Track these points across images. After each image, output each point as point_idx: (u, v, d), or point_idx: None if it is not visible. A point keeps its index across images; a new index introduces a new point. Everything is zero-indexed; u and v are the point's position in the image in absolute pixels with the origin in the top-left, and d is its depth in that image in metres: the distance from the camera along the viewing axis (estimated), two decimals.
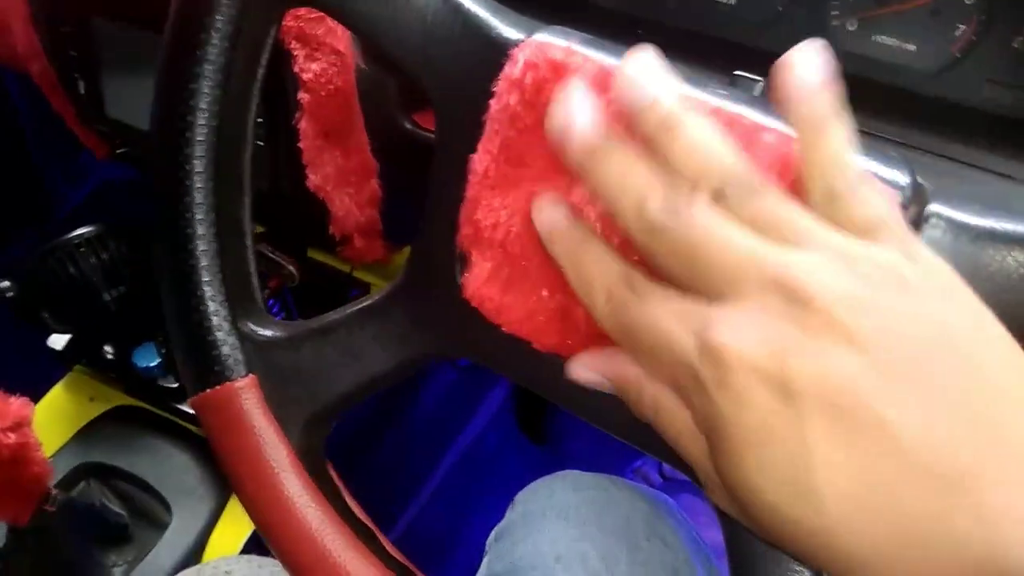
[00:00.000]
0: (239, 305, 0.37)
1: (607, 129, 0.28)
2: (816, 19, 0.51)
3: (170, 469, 0.81)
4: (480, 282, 0.33)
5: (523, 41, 0.31)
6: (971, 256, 0.27)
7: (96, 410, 0.86)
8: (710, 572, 0.58)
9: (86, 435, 0.83)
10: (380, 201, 0.62)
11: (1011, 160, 0.45)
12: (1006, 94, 0.47)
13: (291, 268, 0.78)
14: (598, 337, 0.30)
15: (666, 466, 0.97)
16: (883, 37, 0.49)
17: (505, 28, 0.32)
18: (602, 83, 0.29)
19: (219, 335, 0.36)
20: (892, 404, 0.23)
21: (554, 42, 0.30)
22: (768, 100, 0.29)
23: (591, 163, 0.28)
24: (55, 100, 0.74)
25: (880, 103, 0.49)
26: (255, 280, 0.38)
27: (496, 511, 0.64)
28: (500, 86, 0.31)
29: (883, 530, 0.23)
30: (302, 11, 0.51)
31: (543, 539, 0.55)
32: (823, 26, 0.51)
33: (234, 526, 0.79)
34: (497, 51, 0.31)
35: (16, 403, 0.58)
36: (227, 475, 0.37)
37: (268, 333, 0.37)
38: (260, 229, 0.78)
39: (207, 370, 0.36)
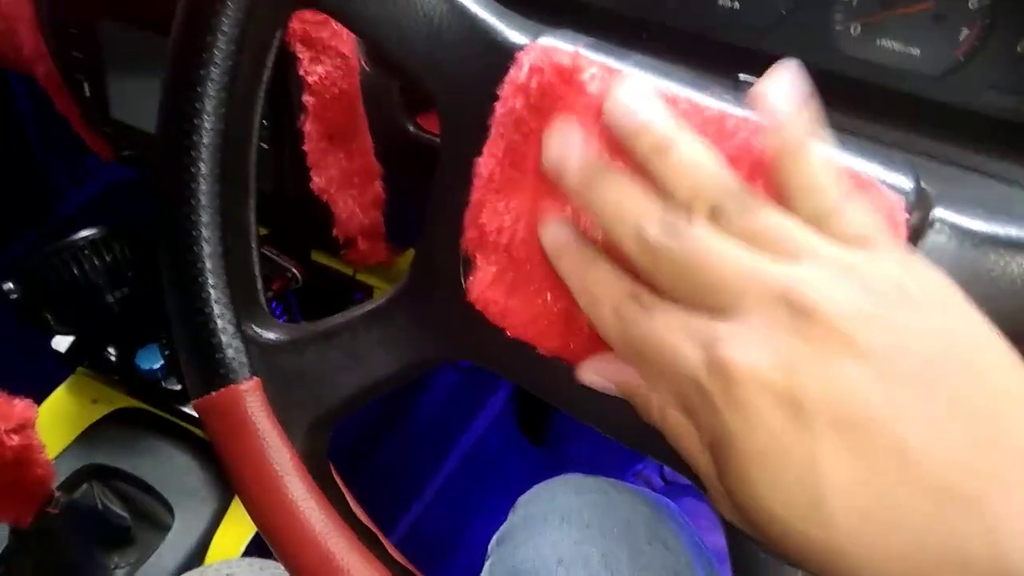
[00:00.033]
0: (243, 308, 0.37)
1: (601, 157, 0.29)
2: (819, 23, 0.51)
3: (172, 471, 0.81)
4: (484, 285, 0.33)
5: (528, 45, 0.31)
6: (974, 261, 0.27)
7: (99, 412, 0.86)
8: None
9: (89, 437, 0.83)
10: (383, 204, 0.62)
11: (1014, 164, 0.45)
12: (1009, 99, 0.47)
13: (294, 270, 0.78)
14: (602, 341, 0.30)
15: (667, 469, 0.97)
16: (886, 41, 0.49)
17: (510, 32, 0.32)
18: (598, 111, 0.29)
19: (223, 338, 0.36)
20: (901, 419, 0.23)
21: (559, 46, 0.30)
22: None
23: (588, 193, 0.29)
24: (60, 102, 0.74)
25: (883, 107, 0.49)
26: (259, 283, 0.38)
27: (497, 514, 0.64)
28: (505, 90, 0.31)
29: (892, 545, 0.23)
30: (307, 14, 0.51)
31: (545, 543, 0.55)
32: (826, 30, 0.51)
33: (236, 528, 0.79)
34: (502, 55, 0.31)
35: (20, 405, 0.58)
36: (230, 478, 0.37)
37: (272, 336, 0.37)
38: (264, 231, 0.78)
39: (211, 373, 0.37)
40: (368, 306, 0.36)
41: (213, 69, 0.34)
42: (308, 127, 0.55)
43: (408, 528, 1.09)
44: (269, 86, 0.37)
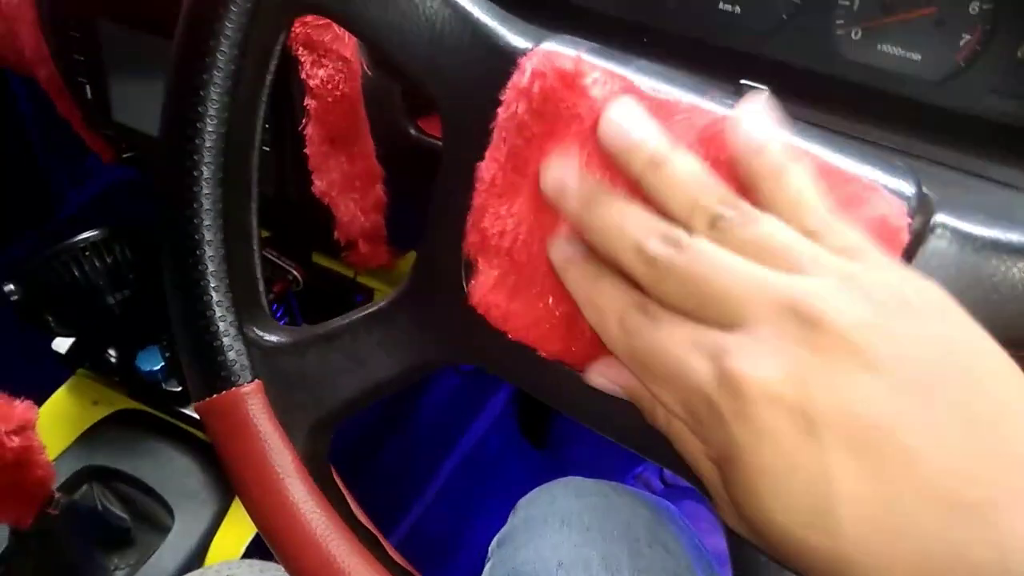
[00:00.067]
0: (245, 311, 0.37)
1: (598, 180, 0.29)
2: (820, 28, 0.51)
3: (173, 473, 0.81)
4: (486, 289, 0.33)
5: (530, 50, 0.31)
6: (975, 266, 0.27)
7: (99, 413, 0.86)
8: None
9: (89, 438, 0.84)
10: (385, 207, 0.62)
11: (1015, 169, 0.45)
12: (1010, 103, 0.47)
13: (296, 273, 0.78)
14: (603, 345, 0.30)
15: (667, 472, 0.97)
16: (888, 46, 0.49)
17: (513, 37, 0.32)
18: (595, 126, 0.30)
19: (225, 340, 0.36)
20: (908, 428, 0.23)
21: (561, 51, 0.30)
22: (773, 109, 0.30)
23: (588, 215, 0.29)
24: (62, 104, 0.75)
25: (884, 112, 0.49)
26: (261, 286, 0.38)
27: (497, 516, 0.64)
28: (508, 95, 0.31)
29: (900, 554, 0.23)
30: (309, 17, 0.51)
31: (545, 545, 0.55)
32: (827, 35, 0.51)
33: (236, 530, 0.79)
34: (505, 60, 0.31)
35: (20, 406, 0.58)
36: (232, 480, 0.37)
37: (274, 339, 0.37)
38: (265, 234, 0.78)
39: (213, 375, 0.37)
40: (369, 309, 0.36)
41: (216, 73, 0.34)
42: (310, 130, 0.55)
43: (408, 530, 1.09)
44: (271, 89, 0.37)
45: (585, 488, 0.59)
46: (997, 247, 0.27)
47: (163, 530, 0.77)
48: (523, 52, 0.31)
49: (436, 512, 1.12)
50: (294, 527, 0.35)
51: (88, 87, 0.69)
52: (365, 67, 0.54)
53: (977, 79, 0.48)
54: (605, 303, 0.29)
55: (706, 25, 0.54)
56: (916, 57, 0.49)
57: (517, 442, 1.21)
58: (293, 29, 0.51)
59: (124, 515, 0.77)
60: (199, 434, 0.84)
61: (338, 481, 0.38)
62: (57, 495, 0.65)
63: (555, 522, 0.56)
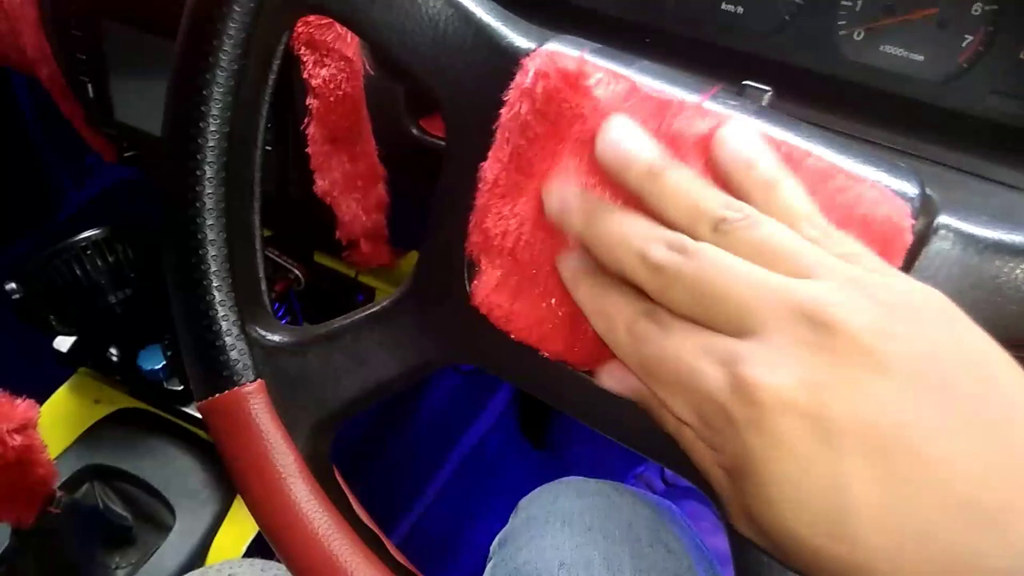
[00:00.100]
0: (248, 310, 0.37)
1: (599, 196, 0.29)
2: (823, 28, 0.51)
3: (174, 472, 0.81)
4: (489, 289, 0.33)
5: (533, 50, 0.31)
6: (979, 267, 0.27)
7: (101, 412, 0.86)
8: None
9: (90, 437, 0.84)
10: (386, 206, 0.62)
11: (1017, 170, 0.45)
12: (1012, 104, 0.47)
13: (297, 272, 0.78)
14: (605, 346, 0.30)
15: (669, 472, 0.97)
16: (890, 47, 0.49)
17: (515, 37, 0.32)
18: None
19: (228, 340, 0.36)
20: (925, 434, 0.23)
21: (565, 52, 0.31)
22: (774, 110, 0.30)
23: (592, 231, 0.29)
24: (63, 103, 0.75)
25: (887, 113, 0.49)
26: (264, 285, 0.38)
27: (498, 515, 0.64)
28: (511, 95, 0.31)
29: (918, 564, 0.23)
30: (312, 17, 0.51)
31: (547, 545, 0.55)
32: (830, 35, 0.51)
33: (238, 529, 0.79)
34: (508, 60, 0.32)
35: (22, 405, 0.58)
36: (234, 479, 0.37)
37: (276, 338, 0.37)
38: (267, 233, 0.78)
39: (215, 375, 0.37)
40: (372, 308, 0.36)
41: (219, 73, 0.34)
42: (312, 130, 0.56)
43: (409, 529, 1.09)
44: (273, 89, 0.37)
45: (586, 488, 0.59)
46: (1000, 248, 0.27)
47: (164, 529, 0.77)
48: (526, 52, 0.31)
49: (437, 511, 1.12)
50: (296, 526, 0.35)
51: (90, 86, 0.69)
52: (367, 67, 0.54)
53: (979, 80, 0.48)
54: (614, 312, 0.28)
55: (708, 25, 0.54)
56: (918, 58, 0.49)
57: (518, 441, 1.21)
58: (296, 28, 0.51)
59: (125, 514, 0.77)
60: (200, 433, 0.84)
61: (340, 480, 0.39)
62: (59, 494, 0.65)
63: (556, 522, 0.56)
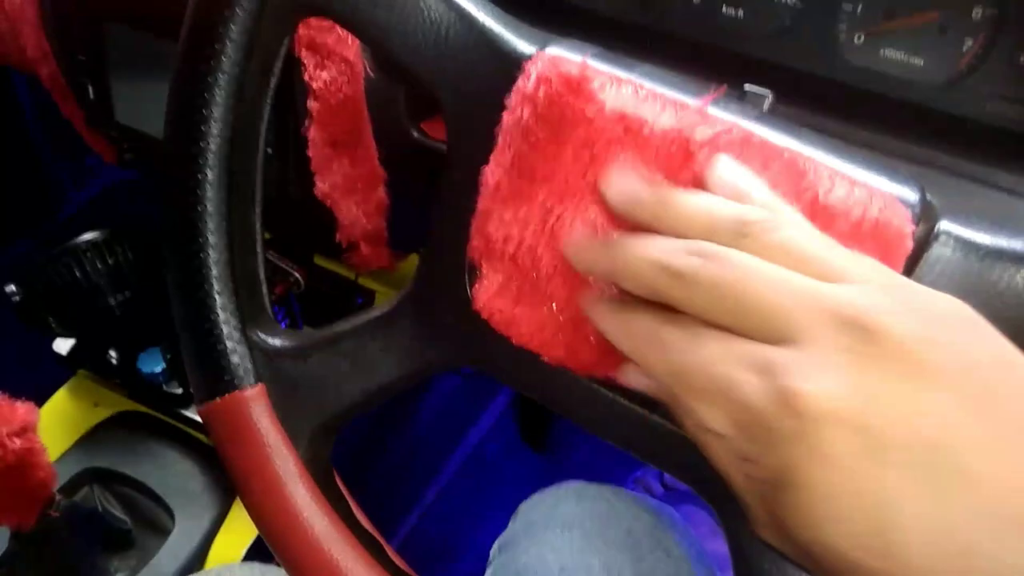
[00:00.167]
0: (249, 314, 0.37)
1: (610, 233, 0.29)
2: (823, 33, 0.51)
3: (173, 475, 0.80)
4: (490, 294, 0.33)
5: (535, 55, 0.31)
6: (979, 274, 0.27)
7: (100, 415, 0.86)
8: None
9: (90, 440, 0.83)
10: (387, 209, 0.62)
11: (1018, 175, 0.45)
12: (1013, 109, 0.47)
13: (297, 275, 0.78)
14: (607, 351, 0.30)
15: (668, 476, 0.97)
16: (890, 51, 0.49)
17: (517, 41, 0.32)
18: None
19: (229, 344, 0.36)
20: (975, 449, 0.22)
21: (566, 56, 0.31)
22: (774, 115, 0.30)
23: (612, 266, 0.28)
24: (64, 104, 0.75)
25: (887, 117, 0.49)
26: (265, 289, 0.38)
27: (497, 519, 0.64)
28: (513, 99, 0.31)
29: (960, 574, 0.22)
30: (313, 20, 0.51)
31: (547, 550, 0.55)
32: (830, 40, 0.51)
33: (237, 533, 0.79)
34: (509, 64, 0.32)
35: (22, 408, 0.58)
36: (234, 483, 0.37)
37: (277, 342, 0.37)
38: (267, 235, 0.78)
39: (216, 379, 0.37)
40: (373, 312, 0.36)
41: (221, 76, 0.34)
42: (312, 133, 0.55)
43: (409, 532, 1.09)
44: (274, 92, 0.37)
45: (586, 493, 0.59)
46: (1001, 255, 0.27)
47: (163, 532, 0.77)
48: (528, 57, 0.31)
49: (436, 515, 1.12)
50: (296, 530, 0.35)
51: (90, 87, 0.69)
52: (368, 69, 0.54)
53: (980, 85, 0.48)
54: (639, 325, 0.27)
55: (708, 29, 0.54)
56: (919, 62, 0.49)
57: (517, 445, 1.21)
58: (297, 31, 0.51)
59: (124, 517, 0.76)
60: (200, 436, 0.84)
61: (340, 484, 0.39)
62: (58, 497, 0.64)
63: (556, 527, 0.56)
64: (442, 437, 1.17)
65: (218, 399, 0.37)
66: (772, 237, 0.25)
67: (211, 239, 0.36)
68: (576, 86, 0.30)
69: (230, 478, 0.37)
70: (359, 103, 0.55)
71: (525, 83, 0.31)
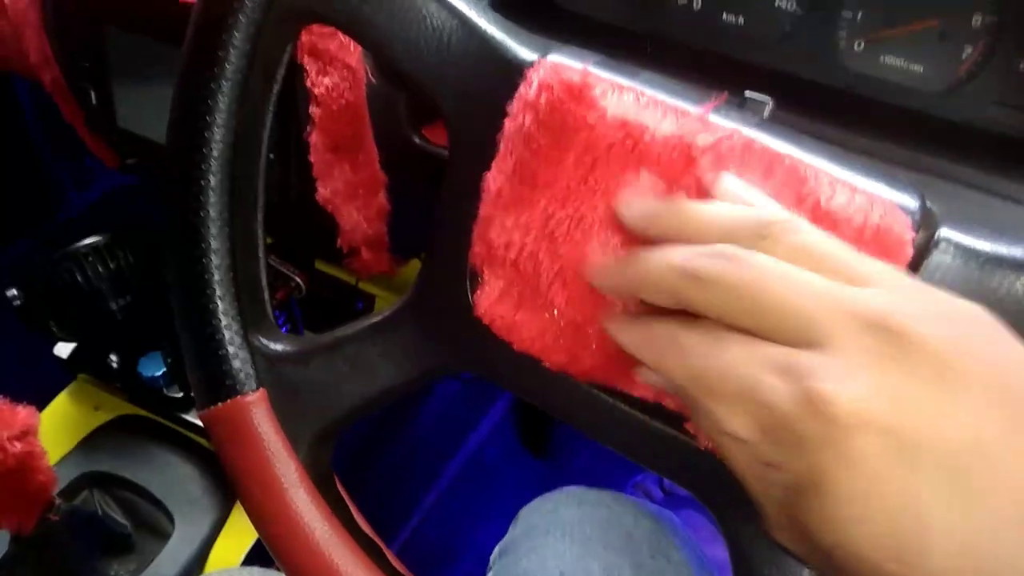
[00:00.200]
0: (250, 319, 0.37)
1: (625, 249, 0.29)
2: (823, 39, 0.51)
3: (173, 479, 0.80)
4: (492, 300, 0.33)
5: (537, 62, 0.31)
6: (980, 281, 0.28)
7: (100, 419, 0.85)
8: None
9: (90, 444, 0.83)
10: (388, 214, 0.62)
11: (1016, 182, 0.45)
12: (1013, 115, 0.47)
13: (298, 280, 0.78)
14: (608, 356, 0.30)
15: (667, 481, 0.97)
16: (890, 58, 0.49)
17: (519, 48, 0.32)
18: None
19: (231, 349, 0.36)
20: (1004, 454, 0.22)
21: (568, 63, 0.31)
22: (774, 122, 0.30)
23: (633, 282, 0.28)
24: (66, 109, 0.75)
25: (887, 124, 0.49)
26: (266, 294, 0.39)
27: (497, 524, 0.64)
28: (515, 106, 0.31)
29: None
30: (315, 26, 0.52)
31: (547, 555, 0.55)
32: (830, 46, 0.51)
33: (236, 537, 0.78)
34: (511, 71, 0.32)
35: (23, 412, 0.58)
36: (235, 488, 0.37)
37: (278, 347, 0.37)
38: (268, 240, 0.78)
39: (218, 384, 0.37)
40: (374, 318, 0.37)
41: (224, 83, 0.34)
42: (314, 138, 0.56)
43: (408, 537, 1.08)
44: (277, 98, 0.37)
45: (587, 498, 0.59)
46: (1001, 262, 0.28)
47: (163, 536, 0.77)
48: (530, 64, 0.31)
49: (436, 519, 1.11)
50: (297, 535, 0.35)
51: (92, 93, 0.69)
52: (370, 75, 0.54)
53: (980, 91, 0.48)
54: (659, 333, 0.27)
55: (709, 36, 0.54)
56: (919, 69, 0.49)
57: (517, 450, 1.21)
58: (299, 37, 0.51)
59: (124, 521, 0.76)
60: (200, 440, 0.84)
61: (341, 489, 0.39)
62: (58, 501, 0.64)
63: (557, 532, 0.56)
64: (442, 442, 1.17)
65: (219, 404, 0.37)
66: (793, 239, 0.25)
67: (213, 244, 0.36)
68: (578, 93, 0.30)
69: (231, 482, 0.37)
70: (361, 109, 0.55)
71: (527, 90, 0.31)
